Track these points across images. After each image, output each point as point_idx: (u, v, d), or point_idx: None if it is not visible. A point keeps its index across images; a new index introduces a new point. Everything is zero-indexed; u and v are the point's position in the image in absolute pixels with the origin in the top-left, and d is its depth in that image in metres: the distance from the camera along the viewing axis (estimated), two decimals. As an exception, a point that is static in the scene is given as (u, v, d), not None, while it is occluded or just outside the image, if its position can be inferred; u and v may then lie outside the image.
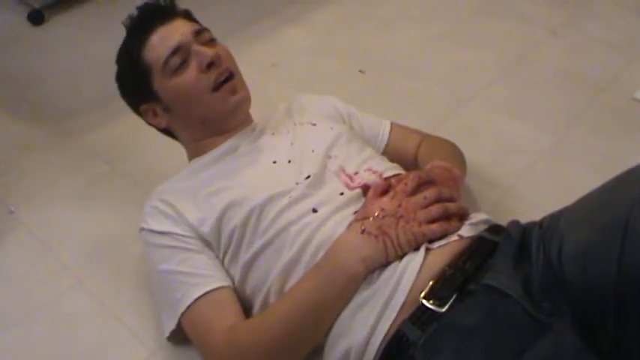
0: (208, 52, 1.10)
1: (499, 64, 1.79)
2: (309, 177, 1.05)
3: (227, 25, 1.99)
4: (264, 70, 1.82)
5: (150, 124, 1.21)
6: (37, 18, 2.17)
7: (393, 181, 1.01)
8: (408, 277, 0.89)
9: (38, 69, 1.93)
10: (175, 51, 1.09)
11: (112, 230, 1.35)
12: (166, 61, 1.09)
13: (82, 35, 2.10)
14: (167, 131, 1.22)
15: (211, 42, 1.14)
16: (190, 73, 1.09)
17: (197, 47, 1.10)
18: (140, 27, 1.13)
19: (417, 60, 1.84)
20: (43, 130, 1.68)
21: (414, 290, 0.88)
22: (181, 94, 1.11)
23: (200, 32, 1.13)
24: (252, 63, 1.82)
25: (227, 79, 1.12)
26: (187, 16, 1.18)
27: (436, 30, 1.98)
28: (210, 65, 1.10)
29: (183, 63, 1.09)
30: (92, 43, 2.03)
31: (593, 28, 1.92)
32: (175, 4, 1.18)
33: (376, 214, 0.94)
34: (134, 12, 1.15)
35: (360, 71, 1.80)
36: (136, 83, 1.14)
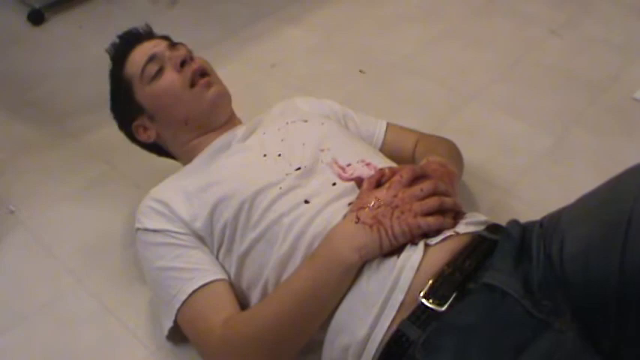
0: (180, 52, 1.18)
1: (499, 64, 1.79)
2: (299, 169, 1.05)
3: (227, 25, 1.99)
4: (264, 70, 1.82)
5: (143, 145, 1.26)
6: (37, 18, 2.17)
7: (386, 171, 1.00)
8: (406, 275, 0.89)
9: (38, 69, 1.93)
10: (151, 59, 1.16)
11: (112, 230, 1.35)
12: (143, 70, 1.16)
13: (82, 35, 2.10)
14: (161, 149, 1.26)
15: (186, 53, 1.21)
16: (167, 76, 1.16)
17: (170, 53, 1.18)
18: (120, 50, 1.22)
19: (417, 60, 1.84)
20: (42, 130, 1.68)
21: (412, 289, 0.88)
22: (160, 96, 1.17)
23: (175, 45, 1.21)
24: (252, 63, 1.82)
25: (202, 75, 1.17)
26: (165, 38, 1.25)
27: (436, 30, 1.98)
28: (184, 63, 1.16)
29: (160, 70, 1.16)
30: (92, 43, 2.02)
31: (593, 28, 1.91)
32: (153, 31, 1.26)
33: (372, 204, 0.94)
34: (115, 40, 1.24)
35: (360, 71, 1.80)
36: (122, 100, 1.21)
